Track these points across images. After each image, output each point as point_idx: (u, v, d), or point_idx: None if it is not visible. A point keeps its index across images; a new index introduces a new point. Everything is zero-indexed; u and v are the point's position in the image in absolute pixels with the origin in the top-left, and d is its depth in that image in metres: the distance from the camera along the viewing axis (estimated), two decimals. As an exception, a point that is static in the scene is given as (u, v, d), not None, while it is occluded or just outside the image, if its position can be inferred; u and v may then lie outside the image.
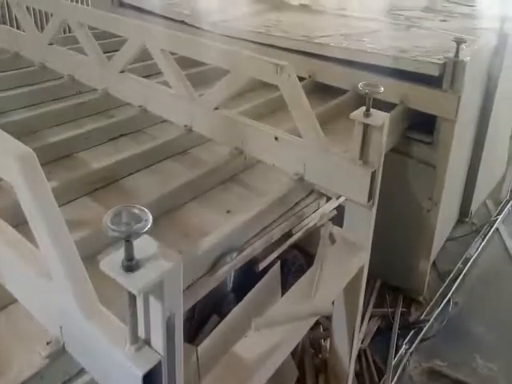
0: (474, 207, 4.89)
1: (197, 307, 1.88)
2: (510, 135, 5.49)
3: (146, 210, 1.27)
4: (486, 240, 4.68)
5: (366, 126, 2.20)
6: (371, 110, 2.19)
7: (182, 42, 2.71)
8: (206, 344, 1.93)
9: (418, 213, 3.66)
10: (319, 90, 3.46)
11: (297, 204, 2.46)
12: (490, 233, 4.79)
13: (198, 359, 1.73)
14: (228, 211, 2.35)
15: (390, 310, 3.74)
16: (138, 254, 1.24)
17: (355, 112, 2.20)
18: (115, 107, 3.31)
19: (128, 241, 1.21)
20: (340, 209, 2.67)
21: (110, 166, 2.54)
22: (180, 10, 4.55)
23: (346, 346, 2.74)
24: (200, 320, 2.17)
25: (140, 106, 3.00)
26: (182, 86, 2.75)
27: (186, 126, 2.78)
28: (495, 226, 4.89)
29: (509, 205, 5.24)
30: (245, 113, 2.95)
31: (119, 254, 1.24)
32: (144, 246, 1.25)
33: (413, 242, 3.76)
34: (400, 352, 3.45)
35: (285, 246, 2.38)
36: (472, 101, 3.82)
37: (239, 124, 2.57)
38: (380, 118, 2.21)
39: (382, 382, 3.23)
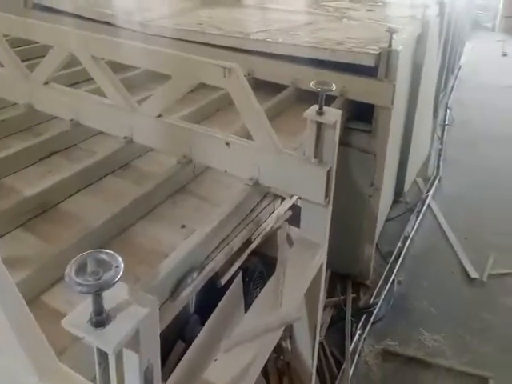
0: (406, 187, 4.90)
1: (159, 336, 1.67)
2: (432, 115, 5.55)
3: (114, 254, 1.05)
4: (420, 217, 4.69)
5: (320, 125, 2.05)
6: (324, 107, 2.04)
7: (116, 48, 2.38)
8: (174, 376, 1.72)
9: (360, 200, 3.58)
10: (259, 87, 3.28)
11: (253, 209, 2.27)
12: (423, 210, 4.80)
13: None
14: (183, 226, 2.12)
15: (341, 298, 3.65)
16: (107, 305, 1.02)
17: (308, 111, 2.04)
18: (42, 122, 2.86)
19: (98, 294, 0.99)
20: (295, 208, 2.51)
21: (44, 190, 2.16)
22: (102, 11, 4.08)
23: (308, 346, 2.60)
24: (164, 349, 1.94)
25: (71, 120, 2.61)
26: (119, 94, 2.43)
27: (125, 137, 2.46)
28: (427, 202, 4.91)
29: (436, 181, 5.28)
30: (188, 117, 2.71)
31: (85, 309, 1.02)
32: (114, 293, 1.03)
33: (357, 229, 3.68)
34: (355, 339, 3.36)
35: (245, 255, 2.19)
36: (403, 88, 3.77)
37: (186, 130, 2.32)
38: (333, 115, 2.05)
39: (341, 372, 3.13)
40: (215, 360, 1.69)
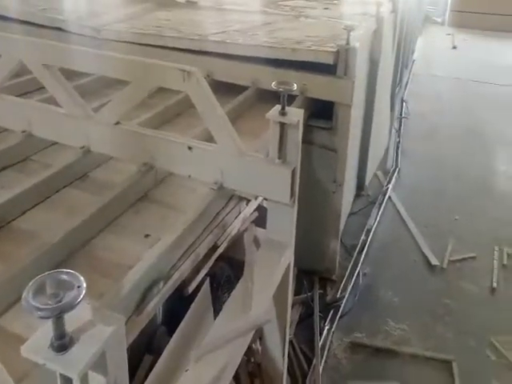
0: (367, 180, 4.91)
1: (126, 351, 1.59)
2: (389, 109, 5.58)
3: (75, 273, 0.98)
4: (381, 209, 4.71)
5: (283, 125, 2.00)
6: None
7: (69, 55, 2.24)
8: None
9: (324, 196, 3.56)
10: (219, 89, 3.20)
11: (218, 214, 2.20)
12: (384, 202, 4.82)
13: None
14: (147, 235, 2.04)
15: (308, 294, 3.62)
16: (70, 327, 0.95)
17: (270, 112, 1.99)
18: (-10, 136, 2.64)
19: (59, 317, 0.92)
20: (261, 210, 2.46)
21: (-3, 207, 2.02)
22: (54, 16, 3.81)
23: (278, 346, 2.56)
24: (131, 364, 1.85)
25: (23, 131, 2.46)
26: (74, 102, 2.30)
27: (82, 147, 2.34)
28: (387, 194, 4.94)
29: (395, 173, 5.32)
30: (148, 123, 2.61)
31: (45, 333, 0.95)
32: (76, 314, 0.96)
33: (321, 225, 3.66)
34: (323, 334, 3.34)
35: (211, 261, 2.13)
36: (361, 84, 3.76)
37: (145, 137, 2.22)
38: (295, 115, 2.01)
39: (311, 368, 3.10)
40: (186, 370, 1.63)
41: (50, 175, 2.27)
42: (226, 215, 2.26)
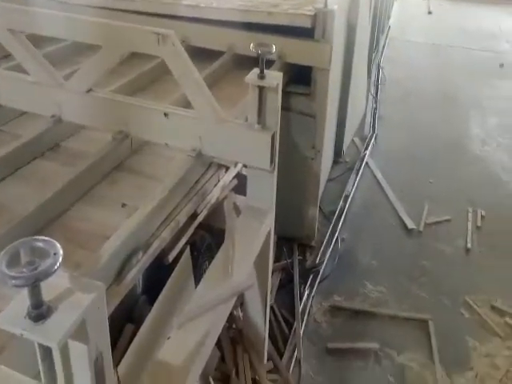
0: (345, 147, 4.90)
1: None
2: (366, 76, 5.53)
3: (50, 240, 0.94)
4: (359, 175, 4.71)
5: (262, 89, 1.95)
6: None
7: (36, 19, 2.11)
8: (126, 360, 1.62)
9: (302, 163, 3.53)
10: (195, 55, 3.11)
11: (197, 181, 2.16)
12: (362, 168, 4.82)
13: (119, 382, 1.44)
14: (124, 205, 1.98)
15: (288, 261, 3.62)
16: (47, 296, 0.92)
17: (249, 75, 1.95)
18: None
19: (35, 286, 0.88)
20: (240, 177, 2.42)
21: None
22: None
23: (259, 312, 2.57)
24: (112, 334, 1.82)
25: None
26: (43, 70, 2.20)
27: (53, 116, 2.25)
28: (365, 160, 4.93)
29: (372, 139, 5.30)
30: (121, 90, 2.51)
31: (21, 302, 0.91)
32: (54, 282, 0.92)
33: (301, 192, 3.64)
34: (303, 299, 3.36)
35: (191, 230, 2.09)
36: (339, 49, 3.70)
37: (119, 104, 2.14)
38: (274, 78, 1.97)
39: (292, 332, 3.11)
40: (168, 338, 1.61)
41: (19, 146, 2.18)
42: (205, 183, 2.22)
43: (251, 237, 2.10)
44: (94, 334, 0.94)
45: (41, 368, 0.95)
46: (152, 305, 1.93)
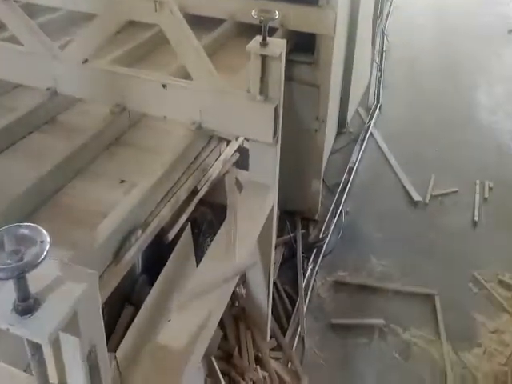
0: (349, 117, 4.79)
1: (105, 302, 1.50)
2: (370, 44, 5.39)
3: (37, 226, 0.87)
4: (363, 146, 4.62)
5: (264, 58, 1.86)
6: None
7: None
8: (124, 344, 1.57)
9: (306, 134, 3.44)
10: (193, 24, 2.99)
11: (198, 156, 2.08)
12: (366, 139, 4.72)
13: (118, 366, 1.39)
14: (122, 181, 1.91)
15: (291, 235, 3.56)
16: (34, 287, 0.85)
17: (250, 43, 1.86)
18: None
19: (21, 277, 0.81)
20: (242, 151, 2.34)
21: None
22: None
23: (262, 289, 2.52)
24: (112, 316, 1.76)
25: None
26: (37, 40, 2.12)
27: (48, 88, 2.17)
28: (369, 131, 4.83)
29: (377, 109, 5.19)
30: (118, 60, 2.42)
31: (7, 295, 0.84)
32: (41, 272, 0.85)
33: (304, 165, 3.56)
34: (307, 274, 3.31)
35: (192, 206, 2.02)
36: (343, 16, 3.57)
37: (116, 76, 2.07)
38: (277, 46, 1.88)
39: (295, 309, 3.07)
40: (169, 321, 1.55)
41: (14, 120, 2.12)
42: (206, 157, 2.15)
43: (254, 213, 2.04)
44: (87, 326, 0.88)
45: (31, 363, 0.89)
46: (152, 285, 1.87)
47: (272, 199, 2.17)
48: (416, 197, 4.03)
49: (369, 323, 3.03)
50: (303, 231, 3.66)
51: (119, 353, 1.56)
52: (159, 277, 1.85)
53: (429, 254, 3.54)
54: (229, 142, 2.32)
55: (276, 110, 1.93)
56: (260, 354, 2.68)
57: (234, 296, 2.72)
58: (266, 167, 2.12)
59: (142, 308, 1.74)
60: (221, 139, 2.26)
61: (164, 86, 2.01)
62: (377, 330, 3.00)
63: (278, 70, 1.89)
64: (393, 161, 4.44)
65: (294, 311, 3.07)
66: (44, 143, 2.14)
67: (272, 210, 2.20)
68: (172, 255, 1.93)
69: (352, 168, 4.33)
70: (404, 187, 4.15)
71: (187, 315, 1.59)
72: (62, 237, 1.63)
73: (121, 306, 1.85)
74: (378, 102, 5.31)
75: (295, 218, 3.73)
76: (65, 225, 1.72)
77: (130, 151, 2.14)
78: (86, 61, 2.12)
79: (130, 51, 2.68)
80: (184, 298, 1.61)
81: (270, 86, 1.91)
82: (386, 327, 3.02)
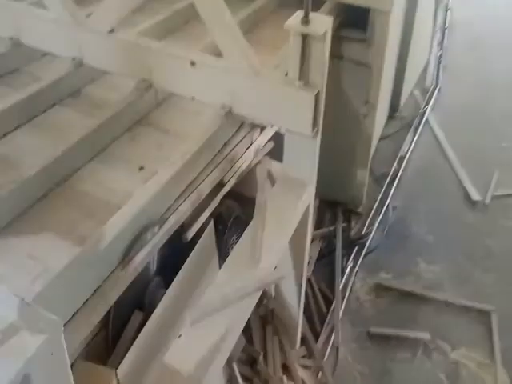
0: (402, 100, 4.53)
1: (111, 306, 1.38)
2: (431, 19, 5.07)
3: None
4: (417, 134, 4.35)
5: (305, 37, 1.67)
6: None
7: None
8: (128, 360, 1.44)
9: (353, 120, 3.23)
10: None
11: (226, 144, 1.92)
12: (421, 125, 4.45)
13: (119, 385, 1.27)
14: (141, 168, 1.78)
15: (330, 228, 3.38)
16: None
17: (290, 20, 1.66)
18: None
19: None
20: (278, 138, 2.16)
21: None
22: None
23: (294, 292, 2.36)
24: (118, 322, 1.63)
25: (11, 38, 2.21)
26: (62, 5, 2.01)
27: (73, 58, 2.08)
28: (425, 117, 4.56)
29: (435, 92, 4.89)
30: (149, 31, 2.29)
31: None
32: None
33: (349, 152, 3.36)
34: (345, 274, 3.13)
35: (216, 201, 1.86)
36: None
37: (144, 49, 1.93)
38: (321, 24, 1.67)
39: (330, 311, 2.91)
40: (179, 336, 1.41)
41: (38, 90, 2.04)
42: (236, 146, 1.98)
43: (286, 213, 1.87)
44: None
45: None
46: (167, 288, 1.74)
47: (308, 198, 1.99)
48: (475, 196, 3.75)
49: (412, 336, 2.83)
50: (344, 225, 3.47)
51: (121, 370, 1.44)
52: (174, 281, 1.71)
53: (486, 262, 3.28)
54: (262, 128, 2.14)
55: (317, 98, 1.73)
56: (287, 362, 2.54)
57: (262, 294, 2.57)
58: (303, 161, 1.94)
59: (152, 317, 1.61)
60: (253, 125, 2.08)
61: (193, 63, 1.84)
62: (421, 345, 2.80)
63: (322, 51, 1.69)
64: (450, 152, 4.16)
65: (329, 314, 2.90)
66: (65, 118, 2.07)
67: (307, 210, 2.03)
68: (190, 256, 1.78)
69: (403, 157, 4.08)
70: (461, 184, 3.88)
71: (200, 331, 1.44)
72: (71, 229, 1.54)
73: (130, 310, 1.72)
74: (436, 84, 5.00)
75: (336, 209, 3.54)
76: (75, 214, 1.63)
77: (152, 134, 2.01)
78: (112, 30, 2.01)
79: (162, 22, 2.52)
80: (198, 311, 1.46)
81: (312, 71, 1.72)
82: (432, 343, 2.81)
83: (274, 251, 1.73)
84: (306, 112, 1.75)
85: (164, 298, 1.66)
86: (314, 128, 1.80)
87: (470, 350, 2.78)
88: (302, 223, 2.02)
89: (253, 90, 1.79)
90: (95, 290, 1.37)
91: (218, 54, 1.92)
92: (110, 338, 1.59)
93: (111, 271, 1.43)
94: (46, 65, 2.35)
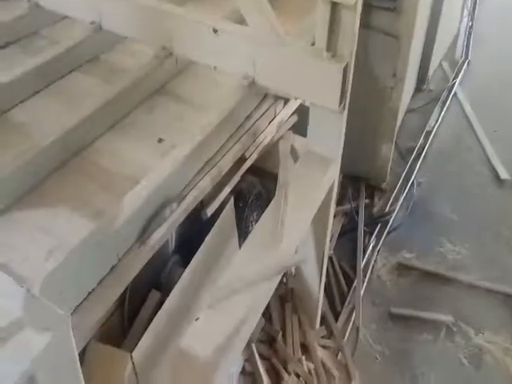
0: (431, 72, 4.39)
1: (128, 286, 1.33)
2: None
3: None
4: (445, 108, 4.22)
5: (335, 5, 1.57)
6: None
7: None
8: (144, 343, 1.40)
9: (379, 92, 3.13)
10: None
11: (248, 117, 1.85)
12: (449, 99, 4.31)
13: (134, 369, 1.23)
14: (160, 140, 1.71)
15: (352, 204, 3.30)
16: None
17: (318, -14, 1.56)
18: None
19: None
20: (302, 111, 2.07)
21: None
22: None
23: (314, 269, 2.31)
24: (134, 302, 1.58)
25: (29, 0, 2.15)
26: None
27: (92, 22, 2.02)
28: (453, 90, 4.41)
29: (465, 65, 4.73)
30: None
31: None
32: None
33: (374, 125, 3.26)
34: (367, 252, 3.06)
35: (237, 178, 1.80)
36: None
37: (165, 14, 1.84)
38: (352, -9, 1.57)
39: (351, 290, 2.86)
40: (196, 319, 1.37)
41: (57, 55, 1.97)
42: (258, 119, 1.90)
43: (309, 191, 1.80)
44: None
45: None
46: (185, 267, 1.69)
47: (333, 176, 1.92)
48: (503, 174, 3.63)
49: (435, 318, 2.77)
50: (367, 201, 3.39)
51: (137, 353, 1.40)
52: (192, 260, 1.65)
53: (514, 245, 3.20)
54: (286, 101, 2.06)
55: (345, 71, 1.65)
56: (306, 342, 2.50)
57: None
58: (329, 137, 1.86)
59: (169, 298, 1.56)
60: (277, 98, 2.00)
61: (215, 30, 1.76)
62: (444, 327, 2.73)
63: (352, 21, 1.59)
64: (479, 128, 4.03)
65: (350, 293, 2.85)
66: (83, 85, 2.00)
67: (332, 188, 1.96)
68: (210, 235, 1.73)
69: (430, 132, 3.97)
70: (489, 161, 3.76)
71: (218, 315, 1.40)
72: (86, 201, 1.49)
73: (146, 289, 1.68)
74: (466, 56, 4.83)
75: (359, 185, 3.46)
76: (91, 187, 1.57)
77: (173, 103, 1.93)
78: (131, -6, 1.92)
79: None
80: (216, 293, 1.42)
81: (340, 41, 1.63)
82: (455, 326, 2.74)
83: (296, 230, 1.67)
84: (333, 85, 1.66)
85: (182, 278, 1.61)
86: (341, 102, 1.71)
87: (495, 335, 2.71)
88: (326, 201, 1.96)
89: (277, 60, 1.70)
90: (111, 268, 1.32)
91: (241, 22, 1.84)
92: (125, 318, 1.55)
93: (128, 248, 1.38)
94: (64, 28, 2.27)
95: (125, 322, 1.56)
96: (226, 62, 1.82)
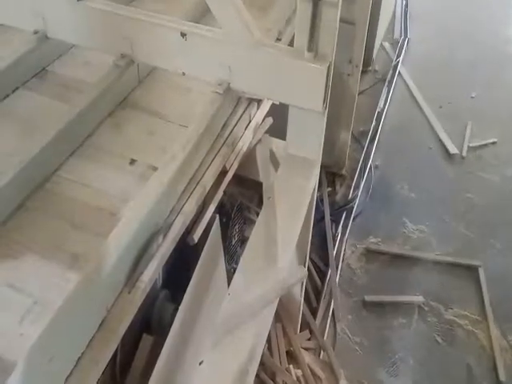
0: (374, 53, 4.28)
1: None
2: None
3: None
4: (392, 88, 4.12)
5: (317, 3, 1.39)
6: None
7: None
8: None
9: (336, 79, 2.94)
10: None
11: (225, 125, 1.64)
12: (395, 79, 4.22)
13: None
14: (132, 161, 1.48)
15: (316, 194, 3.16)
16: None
17: (299, -18, 1.37)
18: None
19: None
20: (274, 111, 1.89)
21: None
22: None
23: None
24: (126, 349, 1.34)
25: None
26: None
27: (36, 31, 1.70)
28: (397, 69, 4.31)
29: (405, 44, 4.63)
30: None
31: None
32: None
33: (332, 113, 3.02)
34: (336, 242, 2.94)
35: (221, 193, 1.59)
36: None
37: (123, 19, 1.58)
38: (334, -14, 1.39)
39: (326, 283, 2.72)
40: (200, 363, 1.18)
41: None
42: (235, 125, 1.70)
43: (296, 200, 1.62)
44: None
45: None
46: (173, 301, 1.48)
47: (315, 178, 1.75)
48: (452, 149, 3.59)
49: (407, 301, 2.70)
50: (329, 189, 3.26)
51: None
52: (185, 297, 1.42)
53: (469, 216, 3.15)
54: (259, 102, 1.87)
55: (328, 70, 1.48)
56: (292, 348, 2.35)
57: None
58: (310, 139, 1.69)
59: (167, 342, 1.33)
60: (250, 99, 1.81)
61: (183, 34, 1.53)
62: (416, 308, 2.68)
63: (334, 19, 1.43)
64: (424, 105, 3.96)
65: (325, 287, 2.72)
66: (31, 105, 1.70)
67: (314, 192, 1.79)
68: (198, 265, 1.50)
69: (381, 113, 3.87)
70: (438, 137, 3.71)
71: (223, 355, 1.21)
72: (58, 245, 1.25)
73: (137, 334, 1.44)
74: (405, 35, 4.74)
75: (320, 173, 3.31)
76: (61, 226, 1.32)
77: (139, 117, 1.69)
78: (81, -4, 1.63)
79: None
80: (217, 331, 1.23)
81: (322, 40, 1.46)
82: (427, 305, 2.69)
83: (288, 245, 1.50)
84: (316, 87, 1.50)
85: (176, 318, 1.39)
86: (324, 103, 1.55)
87: (462, 309, 2.69)
88: (310, 206, 1.79)
89: (254, 63, 1.50)
90: (100, 324, 1.10)
91: (199, 20, 1.62)
92: (117, 373, 1.32)
93: (116, 297, 1.16)
94: (3, 41, 1.92)
95: (117, 376, 1.33)
96: (197, 67, 1.59)
